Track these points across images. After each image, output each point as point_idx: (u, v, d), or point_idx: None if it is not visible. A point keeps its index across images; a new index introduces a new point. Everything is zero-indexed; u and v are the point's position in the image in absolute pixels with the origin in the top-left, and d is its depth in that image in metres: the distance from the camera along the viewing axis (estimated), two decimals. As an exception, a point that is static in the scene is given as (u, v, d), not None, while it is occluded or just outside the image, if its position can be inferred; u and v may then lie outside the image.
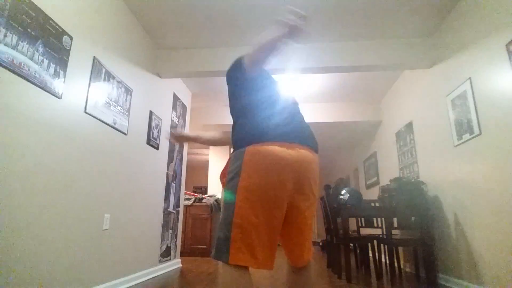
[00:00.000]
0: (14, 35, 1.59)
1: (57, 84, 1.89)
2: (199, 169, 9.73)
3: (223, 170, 1.16)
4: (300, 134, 1.09)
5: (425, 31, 3.05)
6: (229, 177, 1.05)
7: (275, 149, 1.01)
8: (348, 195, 3.34)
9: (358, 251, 4.08)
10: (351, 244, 4.96)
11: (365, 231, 5.45)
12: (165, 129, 3.60)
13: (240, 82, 1.19)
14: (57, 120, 1.89)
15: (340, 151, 7.34)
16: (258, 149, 1.02)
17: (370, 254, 5.09)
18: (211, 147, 6.17)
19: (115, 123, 2.52)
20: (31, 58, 1.70)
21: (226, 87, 4.39)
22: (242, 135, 1.08)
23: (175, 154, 3.90)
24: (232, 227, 0.98)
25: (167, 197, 3.59)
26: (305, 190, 1.06)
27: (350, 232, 4.01)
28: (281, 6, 2.71)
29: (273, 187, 0.99)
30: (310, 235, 1.14)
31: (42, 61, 1.77)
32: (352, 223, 6.21)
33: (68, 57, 1.99)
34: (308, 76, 4.03)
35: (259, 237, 0.98)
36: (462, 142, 2.64)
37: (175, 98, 3.92)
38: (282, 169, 1.00)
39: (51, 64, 1.84)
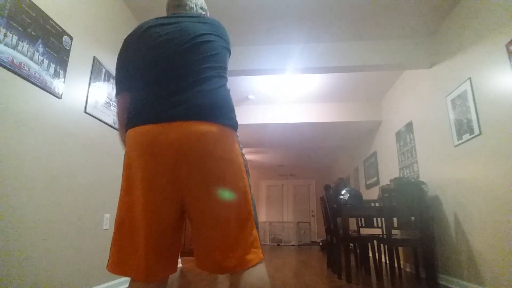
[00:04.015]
0: (14, 35, 1.59)
1: (57, 84, 1.89)
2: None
3: None
4: (169, 108, 0.88)
5: (425, 31, 3.05)
6: None
7: (133, 134, 0.91)
8: (348, 195, 3.34)
9: (358, 251, 4.07)
10: (351, 244, 4.96)
11: (365, 231, 5.45)
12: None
13: None
14: (57, 120, 1.89)
15: (340, 151, 7.34)
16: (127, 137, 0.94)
17: (370, 254, 5.09)
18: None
19: (115, 123, 2.52)
20: (31, 58, 1.70)
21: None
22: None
23: (175, 154, 3.89)
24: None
25: (167, 197, 3.58)
26: (189, 179, 0.86)
27: (350, 232, 4.01)
28: (281, 6, 2.71)
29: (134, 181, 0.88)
30: (225, 230, 0.87)
31: (42, 61, 1.77)
32: (352, 223, 6.21)
33: (68, 57, 2.00)
34: (308, 76, 4.03)
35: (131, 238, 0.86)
36: (462, 142, 2.64)
37: (175, 98, 3.91)
38: (141, 159, 0.88)
39: (51, 64, 1.84)
